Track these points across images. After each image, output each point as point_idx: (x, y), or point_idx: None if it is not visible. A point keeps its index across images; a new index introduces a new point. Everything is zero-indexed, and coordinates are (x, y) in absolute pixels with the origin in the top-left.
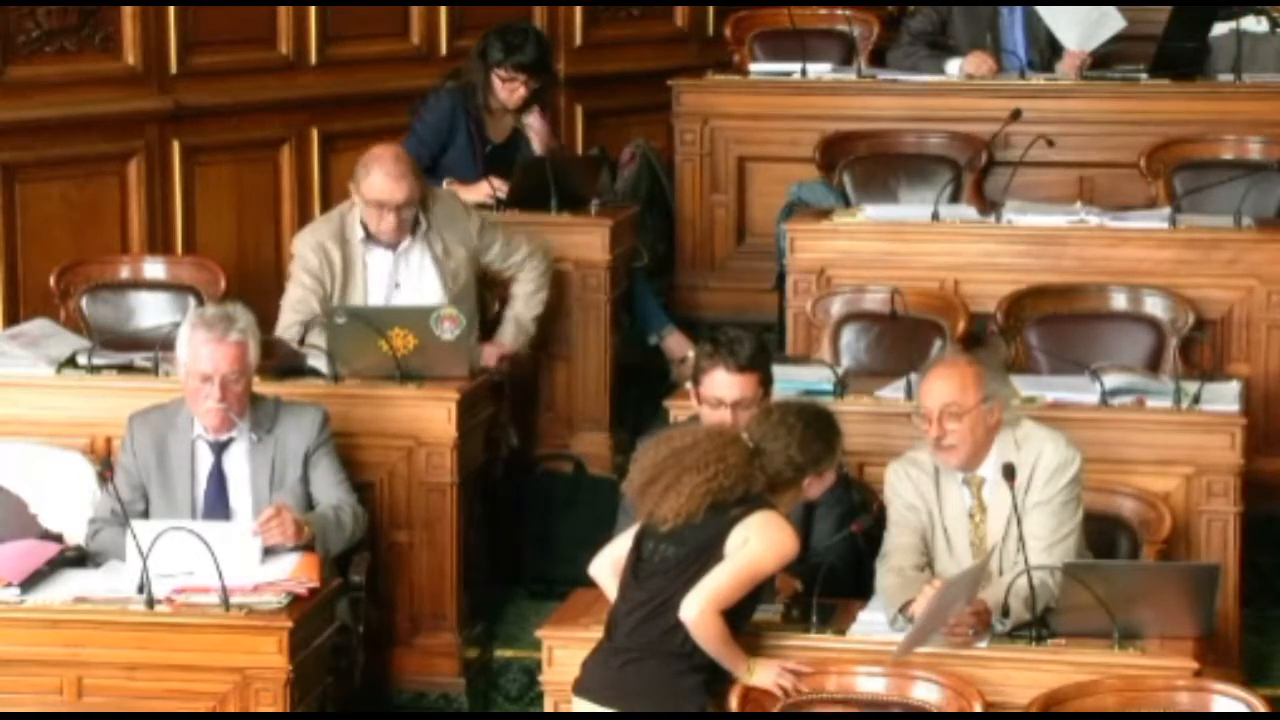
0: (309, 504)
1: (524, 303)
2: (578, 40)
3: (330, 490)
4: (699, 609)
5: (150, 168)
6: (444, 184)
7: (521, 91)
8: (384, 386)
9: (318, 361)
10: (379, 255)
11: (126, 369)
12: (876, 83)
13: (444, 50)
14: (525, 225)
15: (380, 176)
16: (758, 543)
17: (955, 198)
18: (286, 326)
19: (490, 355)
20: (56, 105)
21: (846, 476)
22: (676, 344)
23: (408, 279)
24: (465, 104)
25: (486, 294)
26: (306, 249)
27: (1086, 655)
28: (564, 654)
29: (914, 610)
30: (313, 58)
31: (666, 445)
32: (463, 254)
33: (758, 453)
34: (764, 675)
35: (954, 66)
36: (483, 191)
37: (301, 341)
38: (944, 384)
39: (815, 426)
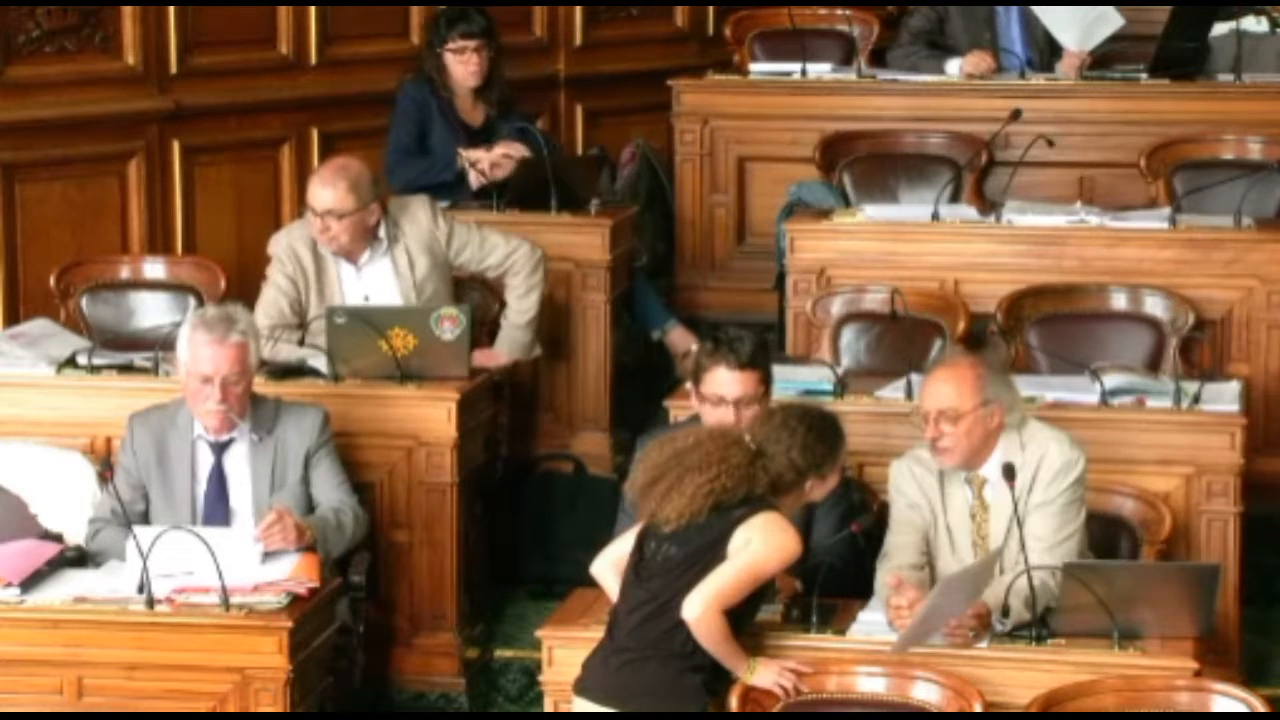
0: (310, 505)
1: (514, 309)
2: (578, 40)
3: (331, 492)
4: (701, 608)
5: (150, 168)
6: (460, 154)
7: (475, 62)
8: (384, 386)
9: (317, 361)
10: (347, 266)
11: (126, 369)
12: (876, 83)
13: None
14: (525, 225)
15: (312, 182)
16: (760, 544)
17: (955, 198)
18: None
19: (481, 362)
20: (56, 105)
21: (847, 477)
22: (680, 338)
23: (375, 293)
24: (431, 94)
25: (476, 295)
26: (280, 250)
27: (1086, 655)
28: (564, 654)
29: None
30: (313, 58)
31: (669, 446)
32: (427, 263)
33: (760, 454)
34: (765, 675)
35: (954, 66)
36: (498, 153)
37: (301, 342)
38: (942, 387)
39: (818, 430)
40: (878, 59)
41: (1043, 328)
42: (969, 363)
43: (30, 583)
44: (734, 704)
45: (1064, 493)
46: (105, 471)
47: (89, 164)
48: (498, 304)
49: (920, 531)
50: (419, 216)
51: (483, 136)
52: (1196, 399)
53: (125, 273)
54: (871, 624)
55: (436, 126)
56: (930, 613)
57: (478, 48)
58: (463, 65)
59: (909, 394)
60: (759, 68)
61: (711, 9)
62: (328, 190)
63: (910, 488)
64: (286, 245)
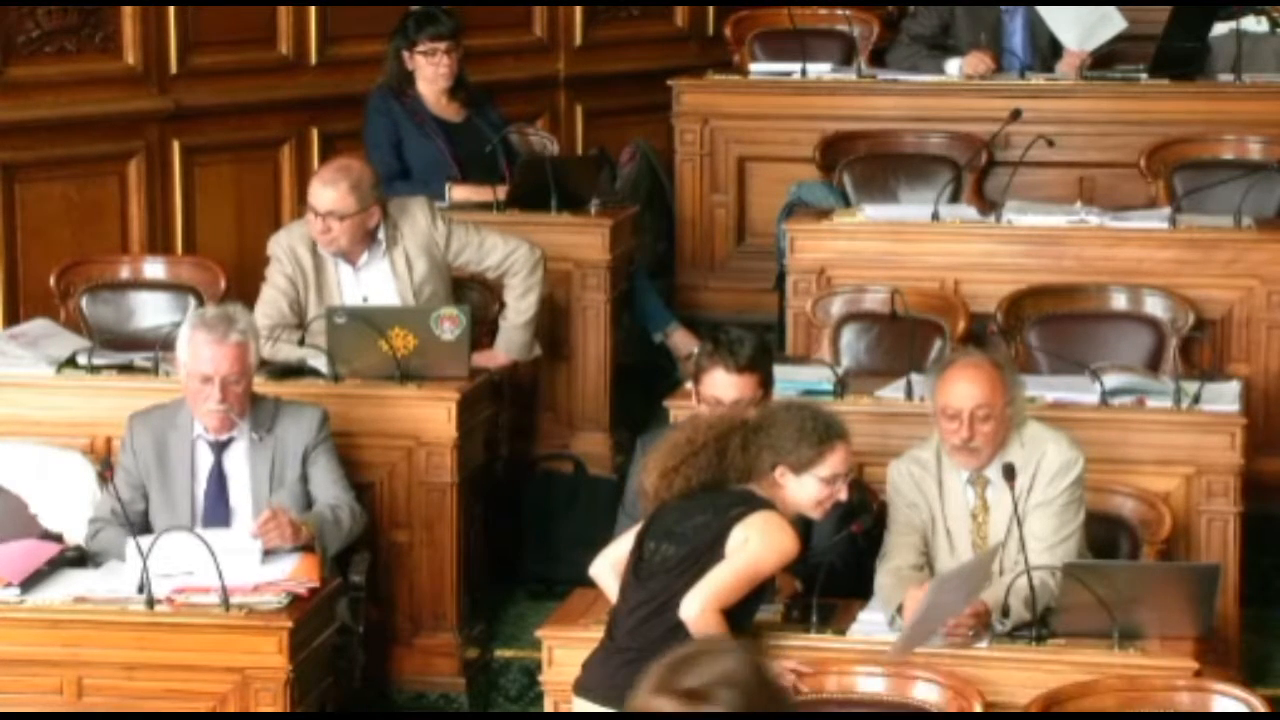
0: (309, 503)
1: (512, 309)
2: (578, 40)
3: (328, 489)
4: (699, 607)
5: (150, 168)
6: (451, 190)
7: (446, 64)
8: (384, 386)
9: (318, 361)
10: (345, 267)
11: (126, 369)
12: (876, 83)
13: None
14: (525, 225)
15: (314, 181)
16: (758, 542)
17: (955, 198)
18: None
19: (480, 363)
20: (56, 105)
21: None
22: (682, 340)
23: (373, 294)
24: (400, 100)
25: (475, 295)
26: (279, 250)
27: (1086, 655)
28: (564, 654)
29: (903, 618)
30: (313, 58)
31: (675, 434)
32: (426, 265)
33: (753, 430)
34: None
35: (954, 66)
36: (488, 193)
37: (301, 342)
38: (974, 386)
39: (799, 424)
40: (878, 59)
41: (1043, 328)
42: (991, 360)
43: (30, 583)
44: None
45: (1063, 493)
46: (105, 471)
47: (89, 164)
48: (497, 304)
49: (919, 532)
50: (418, 218)
51: (463, 134)
52: (1196, 399)
53: (125, 273)
54: (871, 624)
55: (409, 134)
56: (927, 612)
57: (448, 49)
58: (433, 66)
59: (909, 394)
60: (759, 68)
61: (711, 9)
62: (329, 191)
63: (908, 489)
64: (286, 245)
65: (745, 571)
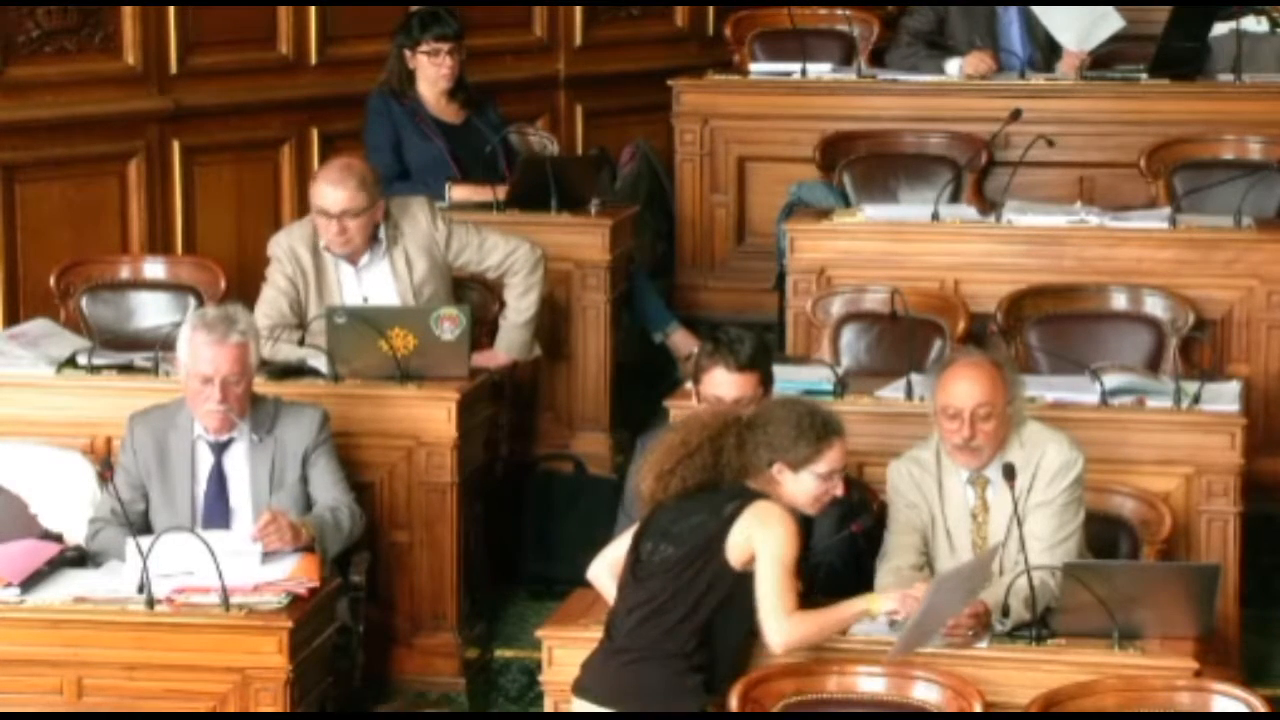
0: (309, 504)
1: (512, 309)
2: (578, 40)
3: (328, 490)
4: (784, 632)
5: (150, 168)
6: (451, 190)
7: (449, 65)
8: (384, 386)
9: (318, 361)
10: (346, 267)
11: (126, 369)
12: (876, 83)
13: None
14: (525, 225)
15: (321, 184)
16: (766, 540)
17: (955, 198)
18: None
19: (480, 363)
20: (56, 105)
21: (847, 476)
22: (682, 341)
23: (373, 294)
24: (400, 101)
25: (475, 295)
26: (280, 251)
27: (1086, 655)
28: (564, 654)
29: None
30: (313, 58)
31: (671, 435)
32: (426, 265)
33: (744, 432)
34: (886, 603)
35: (954, 66)
36: (488, 193)
37: (301, 342)
38: (974, 385)
39: (797, 421)
40: (878, 59)
41: (1043, 328)
42: (991, 360)
43: (30, 583)
44: (734, 704)
45: (1063, 493)
46: (105, 471)
47: (89, 164)
48: (498, 304)
49: (919, 532)
50: (418, 218)
51: (463, 134)
52: (1196, 399)
53: (125, 273)
54: (871, 624)
55: (410, 135)
56: (927, 613)
57: (451, 50)
58: (436, 67)
59: (909, 394)
60: (759, 68)
61: (711, 9)
62: (340, 191)
63: (908, 489)
64: (286, 246)
65: (777, 572)
